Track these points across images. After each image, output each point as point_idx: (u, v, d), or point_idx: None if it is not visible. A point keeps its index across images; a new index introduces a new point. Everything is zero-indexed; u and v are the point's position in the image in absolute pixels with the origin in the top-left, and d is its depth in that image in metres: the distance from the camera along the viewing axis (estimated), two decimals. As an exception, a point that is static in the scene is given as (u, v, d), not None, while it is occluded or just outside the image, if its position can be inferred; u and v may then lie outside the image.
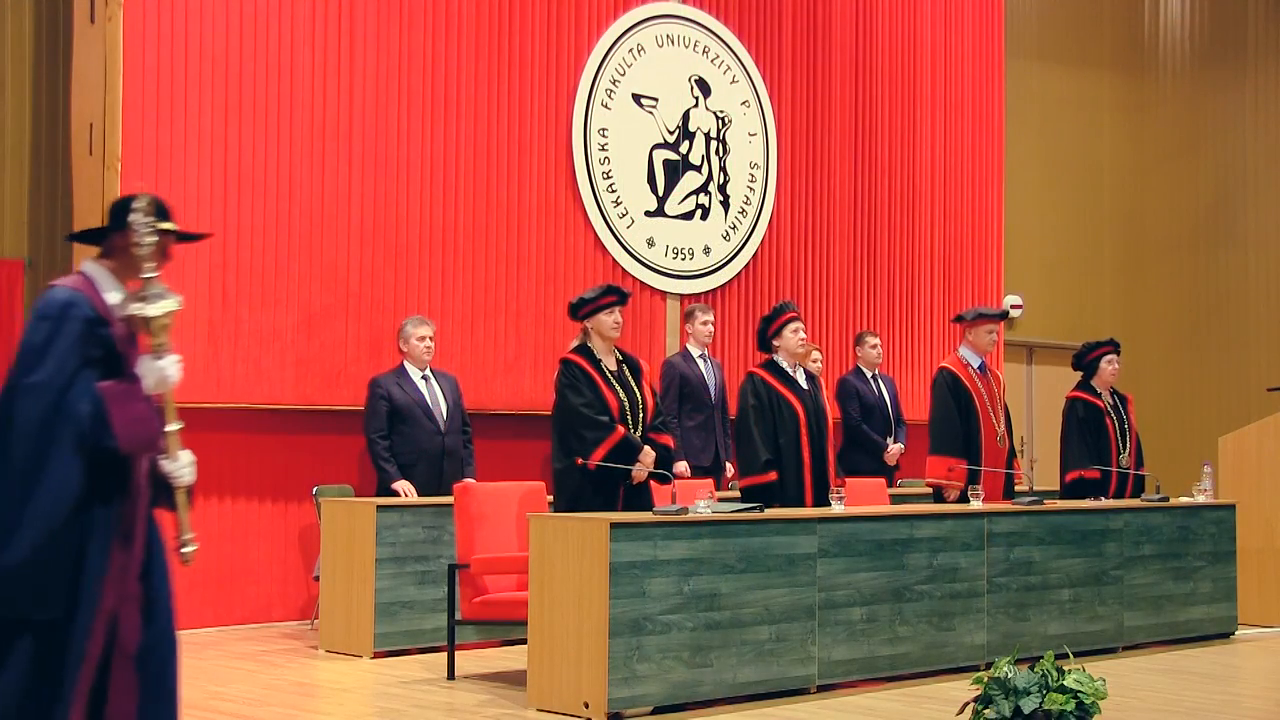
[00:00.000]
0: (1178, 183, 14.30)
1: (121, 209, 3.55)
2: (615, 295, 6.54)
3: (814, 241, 11.08)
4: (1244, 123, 13.91)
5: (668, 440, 6.62)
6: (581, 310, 6.51)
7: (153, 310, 3.49)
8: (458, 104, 8.99)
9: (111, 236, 3.56)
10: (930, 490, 7.73)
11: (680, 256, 10.15)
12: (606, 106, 9.84)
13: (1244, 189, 13.88)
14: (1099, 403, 8.48)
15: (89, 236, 3.62)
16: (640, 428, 6.48)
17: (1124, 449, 8.47)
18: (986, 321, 7.78)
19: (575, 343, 6.59)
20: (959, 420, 7.56)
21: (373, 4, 8.61)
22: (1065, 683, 4.81)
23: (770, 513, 6.11)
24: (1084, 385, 8.60)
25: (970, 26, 12.21)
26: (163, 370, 3.48)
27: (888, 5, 11.61)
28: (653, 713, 5.50)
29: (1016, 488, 8.05)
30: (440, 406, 7.86)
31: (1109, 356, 8.55)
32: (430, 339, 7.96)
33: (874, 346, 9.93)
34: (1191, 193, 14.22)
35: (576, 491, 6.31)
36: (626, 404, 6.46)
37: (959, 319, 8.00)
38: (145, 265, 3.53)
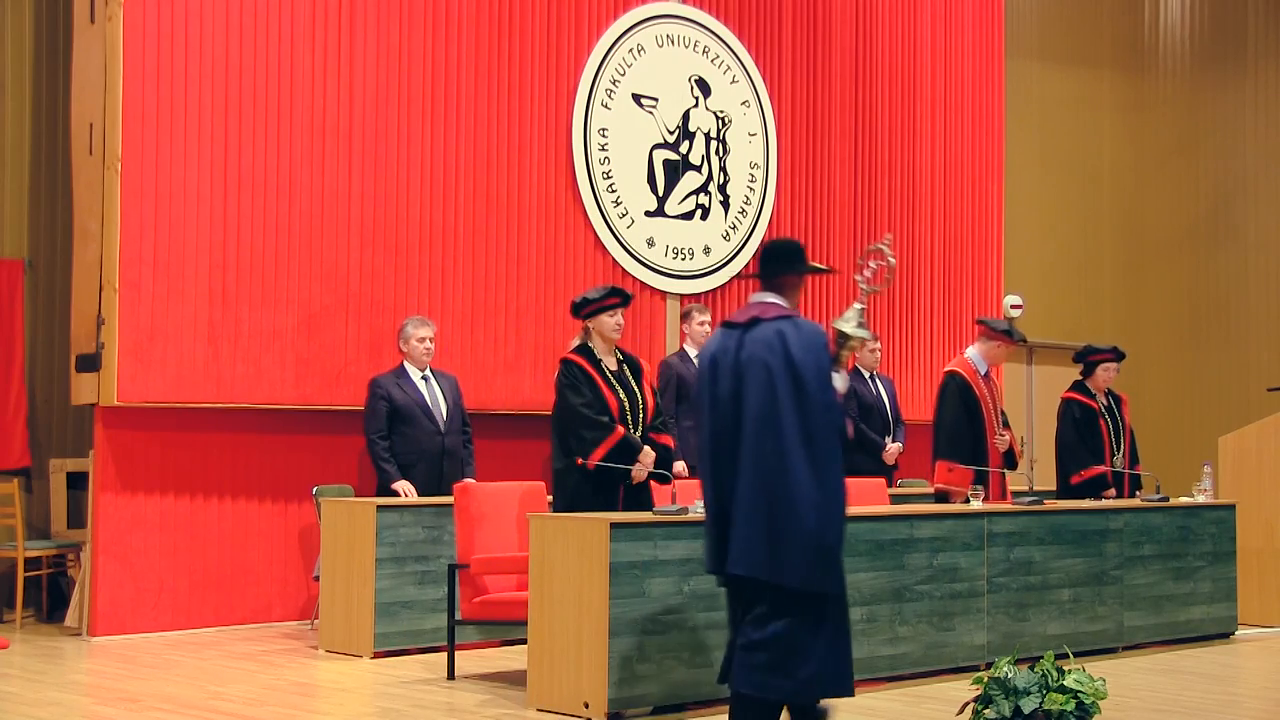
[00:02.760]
0: (1178, 183, 14.30)
1: (790, 254, 4.70)
2: (619, 297, 6.55)
3: (814, 241, 11.07)
4: (1244, 123, 13.90)
5: (668, 440, 6.63)
6: (584, 309, 6.51)
7: (862, 333, 4.66)
8: (458, 104, 8.98)
9: (786, 275, 4.66)
10: (934, 493, 7.73)
11: (680, 256, 10.15)
12: (606, 106, 9.83)
13: (1244, 189, 13.87)
14: (1093, 404, 8.49)
15: (764, 273, 4.68)
16: (640, 428, 6.49)
17: (1118, 449, 8.48)
18: (1011, 344, 7.87)
19: (575, 342, 6.59)
20: (968, 427, 7.59)
21: (373, 4, 8.61)
22: (1065, 683, 4.81)
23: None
24: (1078, 386, 8.61)
25: (970, 26, 12.21)
26: (848, 380, 4.75)
27: (888, 5, 11.61)
28: (653, 713, 5.50)
29: (1013, 488, 8.08)
30: (440, 407, 7.86)
31: (1108, 364, 8.58)
32: (430, 340, 7.96)
33: (873, 350, 9.93)
34: (1191, 193, 14.22)
35: (576, 491, 6.31)
36: (627, 404, 6.46)
37: (987, 324, 7.92)
38: (862, 299, 4.79)
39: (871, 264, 4.85)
